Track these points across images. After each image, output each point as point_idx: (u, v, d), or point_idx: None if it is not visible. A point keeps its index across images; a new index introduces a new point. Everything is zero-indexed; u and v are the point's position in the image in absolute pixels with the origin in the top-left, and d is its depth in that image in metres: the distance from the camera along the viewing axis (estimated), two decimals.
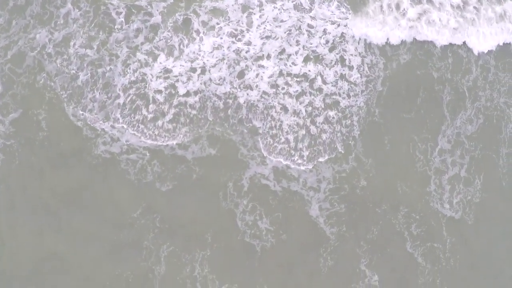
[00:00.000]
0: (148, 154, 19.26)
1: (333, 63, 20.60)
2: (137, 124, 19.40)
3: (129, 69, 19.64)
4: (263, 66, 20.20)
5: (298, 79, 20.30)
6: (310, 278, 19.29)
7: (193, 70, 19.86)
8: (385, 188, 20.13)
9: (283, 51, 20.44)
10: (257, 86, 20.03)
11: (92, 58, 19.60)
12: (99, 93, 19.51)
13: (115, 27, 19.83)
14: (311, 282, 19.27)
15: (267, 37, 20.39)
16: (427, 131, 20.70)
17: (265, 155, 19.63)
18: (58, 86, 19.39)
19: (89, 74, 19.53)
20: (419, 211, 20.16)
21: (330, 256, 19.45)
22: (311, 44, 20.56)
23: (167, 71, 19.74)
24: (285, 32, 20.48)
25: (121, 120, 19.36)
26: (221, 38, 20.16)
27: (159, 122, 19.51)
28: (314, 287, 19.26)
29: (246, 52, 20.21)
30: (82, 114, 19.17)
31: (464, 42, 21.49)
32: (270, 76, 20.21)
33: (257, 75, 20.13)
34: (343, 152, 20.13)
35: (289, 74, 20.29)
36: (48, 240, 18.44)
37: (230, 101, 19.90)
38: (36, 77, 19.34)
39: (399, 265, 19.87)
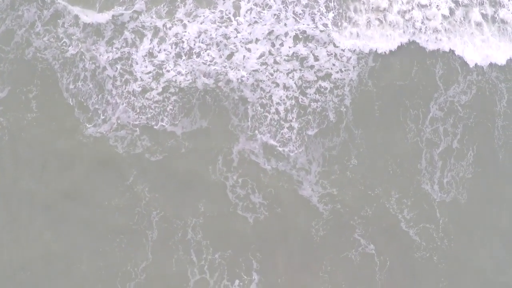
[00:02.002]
0: (138, 130, 19.17)
1: (326, 44, 20.53)
2: (128, 96, 19.31)
3: (113, 48, 19.59)
4: (250, 50, 20.14)
5: (287, 58, 20.22)
6: (303, 246, 19.10)
7: (179, 55, 19.78)
8: (376, 170, 19.90)
9: (271, 32, 20.37)
10: (244, 67, 19.95)
11: (79, 36, 19.56)
12: (89, 63, 19.47)
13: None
14: (304, 250, 19.09)
15: (256, 23, 20.36)
16: (419, 97, 20.50)
17: (252, 130, 19.49)
18: (50, 57, 19.30)
19: (79, 46, 19.51)
20: (411, 196, 19.90)
21: (323, 227, 19.25)
22: (302, 26, 20.54)
23: (151, 55, 19.65)
24: (273, 17, 20.47)
25: (114, 92, 19.24)
26: (206, 24, 20.11)
27: (148, 94, 19.44)
28: (307, 254, 19.06)
29: (235, 37, 20.15)
30: (75, 87, 19.06)
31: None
32: (260, 56, 20.12)
33: (244, 56, 20.04)
34: (334, 121, 19.96)
35: (279, 54, 20.22)
36: (41, 221, 18.40)
37: (221, 76, 19.79)
38: (25, 51, 19.25)
39: (394, 238, 19.64)
